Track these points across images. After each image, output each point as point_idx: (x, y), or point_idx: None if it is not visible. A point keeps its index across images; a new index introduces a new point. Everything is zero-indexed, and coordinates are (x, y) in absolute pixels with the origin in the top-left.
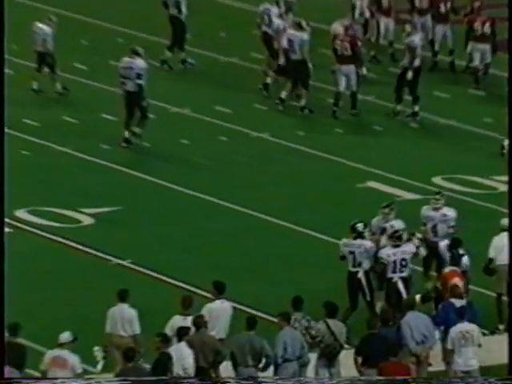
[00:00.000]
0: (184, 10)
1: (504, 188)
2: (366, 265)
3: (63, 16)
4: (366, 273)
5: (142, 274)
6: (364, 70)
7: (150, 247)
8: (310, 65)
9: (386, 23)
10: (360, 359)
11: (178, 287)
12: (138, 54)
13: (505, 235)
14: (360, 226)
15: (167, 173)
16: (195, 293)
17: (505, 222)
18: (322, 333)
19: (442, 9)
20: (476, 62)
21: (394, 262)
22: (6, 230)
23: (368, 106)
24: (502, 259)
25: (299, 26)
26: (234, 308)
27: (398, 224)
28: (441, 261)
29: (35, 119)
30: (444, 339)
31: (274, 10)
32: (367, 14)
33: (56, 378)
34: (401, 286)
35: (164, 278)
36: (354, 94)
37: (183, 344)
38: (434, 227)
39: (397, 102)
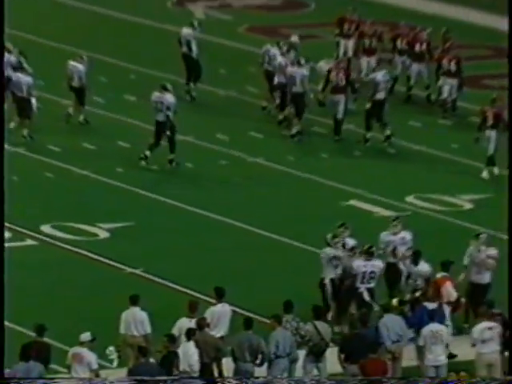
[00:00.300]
0: (194, 48)
1: (469, 206)
2: (334, 273)
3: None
4: (333, 280)
5: (153, 282)
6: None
7: (160, 258)
8: (312, 96)
9: (368, 62)
10: (343, 356)
11: (183, 293)
12: (166, 90)
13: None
14: (328, 237)
15: (174, 192)
16: (199, 298)
17: (483, 235)
18: (310, 333)
19: (418, 48)
20: (445, 95)
21: (364, 273)
22: (33, 242)
23: (349, 133)
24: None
25: (299, 63)
26: (233, 311)
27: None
28: (399, 280)
29: (58, 145)
30: (417, 338)
31: (275, 50)
32: (350, 53)
33: (55, 378)
34: (366, 295)
35: (171, 284)
36: (340, 121)
37: (191, 343)
38: (394, 250)
39: (366, 130)
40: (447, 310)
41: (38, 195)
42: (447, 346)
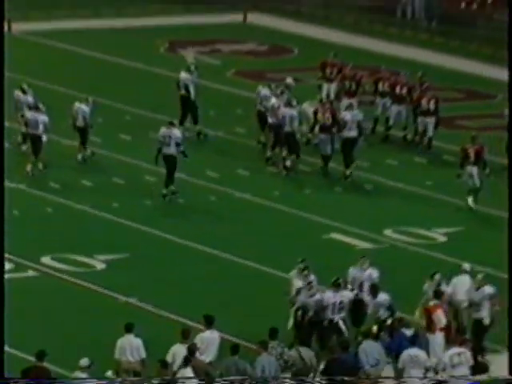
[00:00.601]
0: (192, 91)
1: (443, 239)
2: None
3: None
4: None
5: (147, 310)
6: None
7: (153, 288)
8: (299, 136)
9: (349, 103)
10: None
11: (175, 320)
12: (173, 125)
13: (465, 277)
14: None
15: (166, 226)
16: (190, 325)
17: (466, 266)
18: (293, 358)
19: (398, 91)
20: (423, 133)
21: (334, 304)
22: (34, 273)
23: (330, 170)
24: (460, 295)
25: (290, 105)
26: (222, 337)
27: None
28: (364, 313)
29: (58, 182)
30: (396, 362)
31: (266, 92)
32: (332, 95)
33: (55, 378)
34: (342, 325)
35: (163, 313)
36: (329, 158)
37: (189, 369)
38: (361, 285)
39: (345, 167)
40: (439, 336)
41: (38, 229)
42: (427, 370)
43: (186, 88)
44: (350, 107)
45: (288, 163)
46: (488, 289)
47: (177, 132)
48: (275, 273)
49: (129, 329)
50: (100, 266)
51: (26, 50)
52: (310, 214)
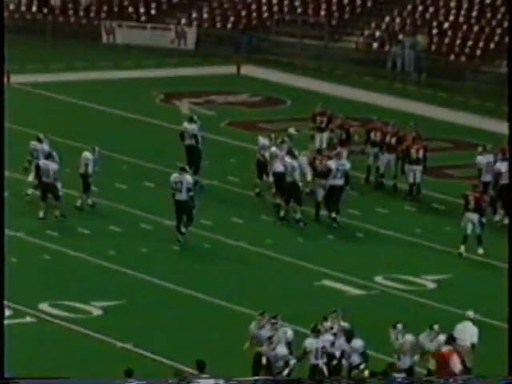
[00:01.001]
0: (200, 140)
1: (433, 285)
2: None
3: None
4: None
5: (142, 355)
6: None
7: (148, 333)
8: (300, 184)
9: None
10: None
11: (169, 365)
12: (185, 171)
13: (468, 323)
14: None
15: (161, 273)
16: (183, 369)
17: (470, 313)
18: None
19: (388, 141)
20: (410, 180)
21: (316, 349)
22: (32, 319)
23: (322, 218)
24: (463, 339)
25: (292, 154)
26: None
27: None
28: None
29: (55, 230)
30: None
31: (266, 141)
32: (324, 145)
33: (56, 378)
34: (325, 370)
35: (159, 357)
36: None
37: None
38: (333, 344)
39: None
40: None
41: (36, 275)
42: None
43: (195, 138)
44: (337, 156)
45: (298, 216)
46: (442, 337)
47: (189, 178)
48: None
49: (129, 374)
50: (96, 312)
51: (24, 101)
52: (303, 261)
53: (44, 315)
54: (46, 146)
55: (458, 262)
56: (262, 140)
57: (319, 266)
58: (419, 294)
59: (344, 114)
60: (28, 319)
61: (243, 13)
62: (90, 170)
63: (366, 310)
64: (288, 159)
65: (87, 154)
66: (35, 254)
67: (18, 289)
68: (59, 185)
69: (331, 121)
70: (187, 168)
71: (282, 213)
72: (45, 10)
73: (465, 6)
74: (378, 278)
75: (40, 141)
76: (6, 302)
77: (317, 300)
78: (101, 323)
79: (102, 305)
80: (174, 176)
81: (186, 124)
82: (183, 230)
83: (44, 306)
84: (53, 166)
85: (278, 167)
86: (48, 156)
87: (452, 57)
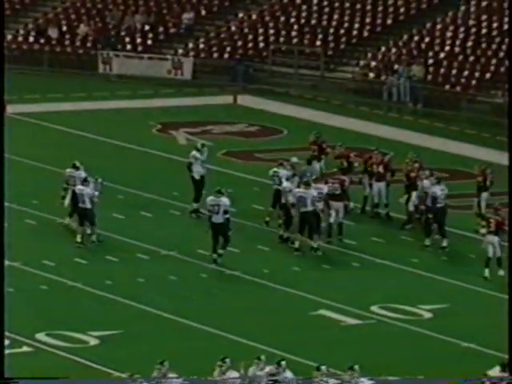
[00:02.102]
0: (205, 170)
1: (429, 315)
2: None
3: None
4: None
5: None
6: (351, 205)
7: (145, 363)
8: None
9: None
10: None
11: None
12: (222, 194)
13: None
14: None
15: (158, 303)
16: None
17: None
18: None
19: (381, 170)
20: (411, 209)
21: None
22: (28, 349)
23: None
24: None
25: (308, 185)
26: None
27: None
28: None
29: (52, 260)
30: None
31: (284, 172)
32: (316, 175)
33: (56, 378)
34: None
35: None
36: (341, 224)
37: None
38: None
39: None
40: None
41: (33, 305)
42: None
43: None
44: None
45: (315, 244)
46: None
47: (225, 200)
48: (264, 348)
49: None
50: (93, 341)
51: (20, 131)
52: (298, 290)
53: (41, 345)
54: (82, 172)
55: (455, 291)
56: (277, 170)
57: (315, 296)
58: (415, 324)
59: (343, 144)
60: (25, 349)
61: (239, 43)
62: (89, 203)
63: (362, 340)
64: (304, 189)
65: (85, 188)
66: (32, 284)
67: (15, 318)
68: (95, 210)
69: (323, 150)
70: (223, 190)
71: (296, 244)
72: (42, 41)
73: (460, 36)
74: (374, 308)
75: (76, 168)
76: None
77: (312, 330)
78: (98, 353)
79: (99, 334)
80: (210, 199)
81: (194, 153)
82: (220, 251)
83: (41, 336)
84: (87, 190)
85: (287, 198)
86: (83, 181)
87: (448, 87)
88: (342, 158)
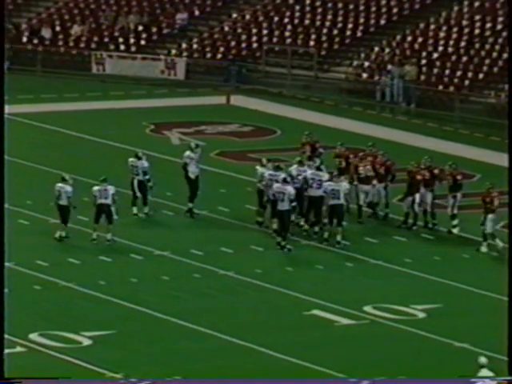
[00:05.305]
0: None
1: (423, 315)
2: None
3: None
4: None
5: None
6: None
7: (138, 363)
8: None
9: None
10: None
11: None
12: (286, 182)
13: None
14: None
15: (151, 303)
16: None
17: (483, 360)
18: None
19: (377, 170)
20: (416, 210)
21: None
22: (22, 349)
23: (311, 248)
24: None
25: (286, 181)
26: None
27: None
28: None
29: (45, 260)
30: None
31: (262, 170)
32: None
33: (57, 378)
34: None
35: None
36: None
37: None
38: None
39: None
40: None
41: (26, 306)
42: None
43: (198, 167)
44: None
45: (326, 235)
46: None
47: (290, 189)
48: (257, 348)
49: None
50: (86, 342)
51: (14, 132)
52: (292, 290)
53: (34, 345)
54: (145, 163)
55: (448, 291)
56: (259, 169)
57: (309, 296)
58: (409, 324)
59: (343, 144)
60: (18, 349)
61: (233, 43)
62: (71, 201)
63: (356, 340)
64: (282, 185)
65: (66, 186)
66: (25, 284)
67: (8, 319)
68: (113, 208)
69: (316, 149)
70: (287, 177)
71: (326, 234)
72: (35, 41)
73: (454, 36)
74: (368, 308)
75: (139, 158)
76: None
77: (306, 330)
78: (91, 353)
79: (92, 335)
80: (277, 186)
81: (188, 153)
82: (281, 240)
83: (34, 336)
84: (109, 187)
85: (271, 194)
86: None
87: (441, 87)
88: (341, 157)
